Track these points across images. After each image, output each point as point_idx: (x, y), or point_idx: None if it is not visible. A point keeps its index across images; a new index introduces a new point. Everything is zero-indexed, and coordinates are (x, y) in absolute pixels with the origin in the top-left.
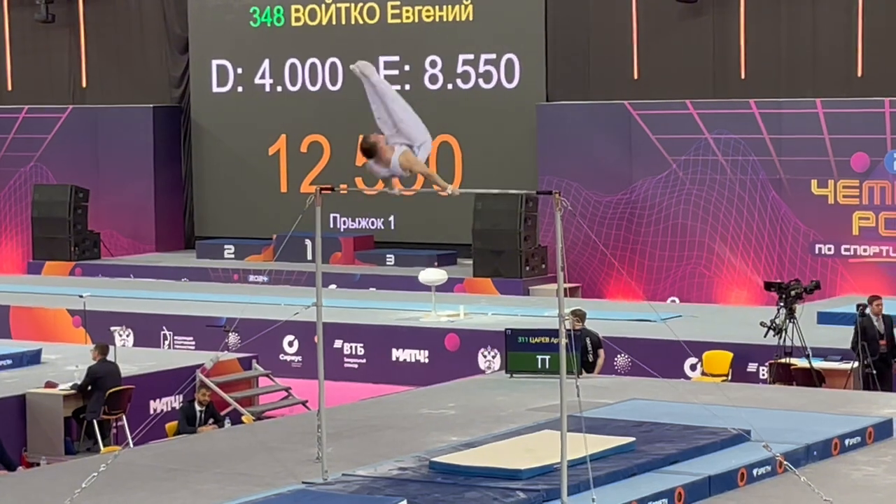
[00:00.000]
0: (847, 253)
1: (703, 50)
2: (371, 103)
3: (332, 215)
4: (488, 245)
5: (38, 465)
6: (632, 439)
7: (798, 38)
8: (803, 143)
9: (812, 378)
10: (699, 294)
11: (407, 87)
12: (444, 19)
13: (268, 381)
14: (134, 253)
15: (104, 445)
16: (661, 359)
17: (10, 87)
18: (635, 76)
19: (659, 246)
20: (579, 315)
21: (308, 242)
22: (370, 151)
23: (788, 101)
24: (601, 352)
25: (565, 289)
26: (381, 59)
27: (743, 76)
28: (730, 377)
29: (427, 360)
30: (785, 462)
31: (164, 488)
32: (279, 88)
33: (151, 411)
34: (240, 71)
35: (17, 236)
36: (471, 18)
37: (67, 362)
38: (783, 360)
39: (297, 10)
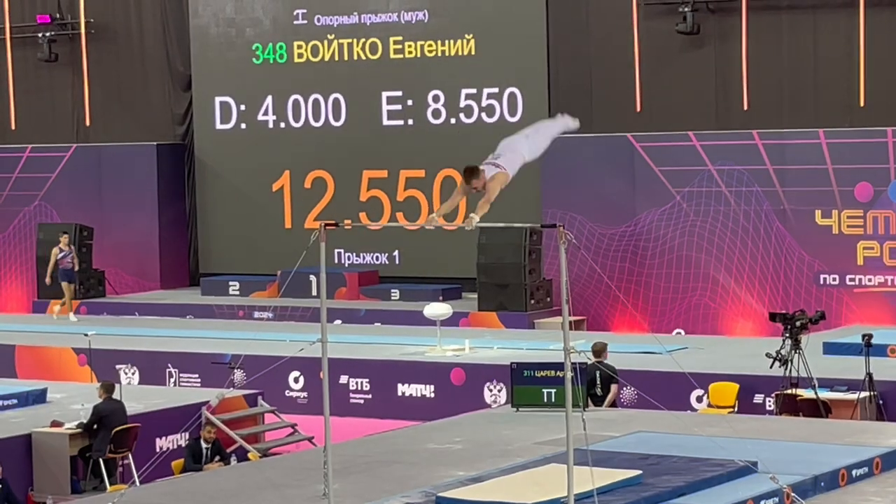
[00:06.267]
0: (852, 283)
1: (706, 82)
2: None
3: (336, 251)
4: (493, 279)
5: None
6: (638, 472)
7: (800, 68)
8: (807, 173)
9: (818, 409)
10: (704, 326)
11: (410, 121)
12: (447, 54)
13: (274, 418)
14: (138, 291)
15: (110, 484)
16: (667, 391)
17: (13, 127)
18: (638, 109)
19: (664, 278)
20: (596, 349)
21: (313, 278)
22: (474, 172)
23: (791, 131)
24: (614, 386)
25: (570, 322)
26: (384, 95)
27: (745, 107)
28: (736, 409)
29: (433, 395)
30: (792, 494)
31: None
32: (282, 125)
33: (157, 449)
34: (243, 108)
35: (22, 275)
36: (473, 53)
37: (73, 401)
38: (789, 391)
39: (299, 47)
